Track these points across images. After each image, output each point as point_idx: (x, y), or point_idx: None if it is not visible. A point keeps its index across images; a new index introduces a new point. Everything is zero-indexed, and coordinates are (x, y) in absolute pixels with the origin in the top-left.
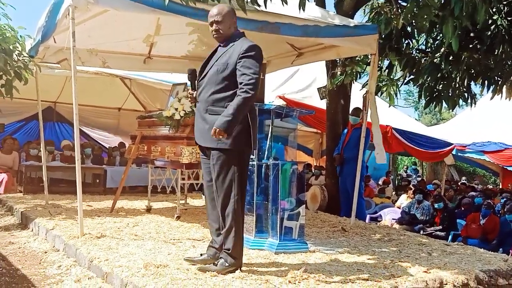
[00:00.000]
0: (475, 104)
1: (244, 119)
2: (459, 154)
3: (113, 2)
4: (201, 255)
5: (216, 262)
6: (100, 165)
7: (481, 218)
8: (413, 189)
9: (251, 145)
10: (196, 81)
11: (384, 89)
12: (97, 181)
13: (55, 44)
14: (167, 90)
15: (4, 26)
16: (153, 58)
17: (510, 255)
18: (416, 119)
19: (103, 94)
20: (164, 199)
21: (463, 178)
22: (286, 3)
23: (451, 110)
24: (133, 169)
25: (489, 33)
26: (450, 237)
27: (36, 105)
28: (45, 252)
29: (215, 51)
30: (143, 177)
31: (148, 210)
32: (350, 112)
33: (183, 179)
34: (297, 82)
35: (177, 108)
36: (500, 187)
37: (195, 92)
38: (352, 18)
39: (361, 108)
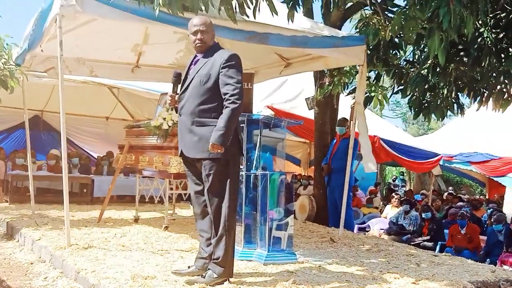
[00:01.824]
0: (463, 114)
1: None
2: (446, 164)
3: (101, 11)
4: (189, 267)
5: (204, 274)
6: (87, 175)
7: (460, 228)
8: (395, 197)
9: (241, 153)
10: (177, 94)
11: (373, 95)
12: (85, 190)
13: (42, 52)
14: (155, 99)
15: None
16: (141, 67)
17: (497, 265)
18: (403, 129)
19: (91, 103)
20: (152, 209)
21: (450, 188)
22: (276, 14)
23: (440, 120)
24: (120, 179)
25: (476, 45)
26: (437, 247)
27: (23, 114)
28: (31, 263)
29: (193, 62)
30: (131, 187)
31: (136, 220)
32: (336, 123)
33: (171, 189)
34: (286, 92)
35: (165, 118)
36: (487, 197)
37: (176, 95)
38: (340, 29)
39: (347, 118)
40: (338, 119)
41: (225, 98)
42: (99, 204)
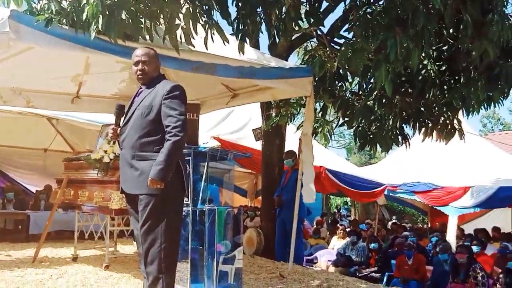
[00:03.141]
0: (409, 145)
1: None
2: (390, 194)
3: (37, 39)
4: None
5: None
6: (23, 210)
7: (407, 259)
8: (340, 228)
9: (183, 189)
10: (119, 127)
11: (319, 130)
12: (20, 227)
13: None
14: (96, 130)
15: None
16: (82, 98)
17: None
18: (346, 158)
19: (28, 134)
20: (92, 246)
21: (394, 217)
22: (228, 42)
23: (385, 151)
24: (59, 214)
25: (420, 77)
26: (385, 279)
27: None
28: None
29: (137, 94)
30: (69, 222)
31: (75, 259)
32: (284, 156)
33: (113, 225)
34: (232, 123)
35: (106, 151)
36: (429, 225)
37: (118, 128)
38: (286, 60)
39: (294, 150)
40: (285, 151)
41: (166, 130)
42: (35, 241)
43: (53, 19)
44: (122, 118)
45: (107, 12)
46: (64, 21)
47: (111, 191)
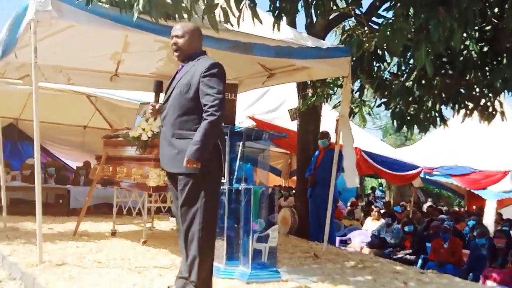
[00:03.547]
0: (446, 125)
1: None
2: (426, 176)
3: (79, 17)
4: (169, 287)
5: None
6: (64, 185)
7: (442, 242)
8: (375, 210)
9: (221, 168)
10: (158, 104)
11: (356, 110)
12: (60, 201)
13: (17, 59)
14: (134, 108)
15: None
16: (120, 76)
17: (480, 280)
18: (381, 139)
19: (68, 111)
20: (130, 221)
21: (429, 199)
22: (261, 23)
23: (423, 133)
24: (98, 189)
25: (461, 58)
26: (420, 261)
27: None
28: (0, 281)
29: (178, 71)
30: (108, 197)
31: (113, 233)
32: (319, 136)
33: (150, 202)
34: (267, 103)
35: (144, 128)
36: (466, 209)
37: (158, 104)
38: (323, 40)
39: (328, 131)
40: (320, 131)
41: (204, 109)
42: (75, 215)
43: None
44: (162, 95)
45: None
46: (105, 0)
47: (149, 168)
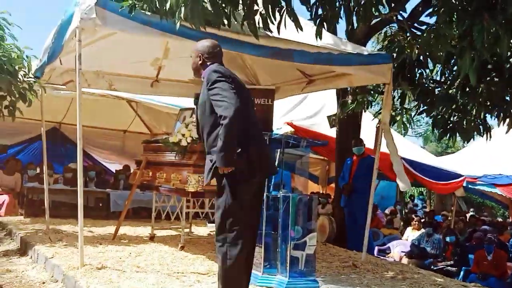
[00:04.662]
0: (490, 137)
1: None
2: (469, 186)
3: (122, 25)
4: None
5: None
6: (104, 189)
7: (486, 254)
8: (415, 219)
9: (252, 172)
10: None
11: (398, 118)
12: (100, 205)
13: (62, 65)
14: (174, 113)
15: (10, 46)
16: (161, 82)
17: None
18: (421, 146)
19: (108, 116)
20: (168, 226)
21: (471, 209)
22: (301, 29)
23: (466, 142)
24: (137, 193)
25: (508, 66)
26: (461, 273)
27: (41, 126)
28: (43, 283)
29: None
30: (146, 201)
31: (152, 238)
32: (352, 144)
33: (188, 207)
34: (306, 109)
35: (184, 134)
36: (510, 219)
37: None
38: (364, 46)
39: (362, 138)
40: (353, 139)
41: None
42: (114, 219)
43: (136, 6)
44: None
45: (190, 0)
46: (146, 7)
47: (188, 173)
